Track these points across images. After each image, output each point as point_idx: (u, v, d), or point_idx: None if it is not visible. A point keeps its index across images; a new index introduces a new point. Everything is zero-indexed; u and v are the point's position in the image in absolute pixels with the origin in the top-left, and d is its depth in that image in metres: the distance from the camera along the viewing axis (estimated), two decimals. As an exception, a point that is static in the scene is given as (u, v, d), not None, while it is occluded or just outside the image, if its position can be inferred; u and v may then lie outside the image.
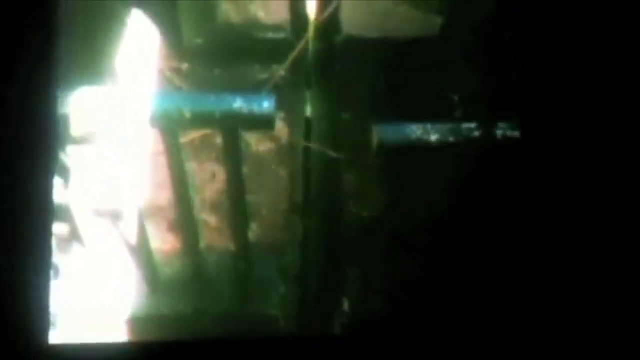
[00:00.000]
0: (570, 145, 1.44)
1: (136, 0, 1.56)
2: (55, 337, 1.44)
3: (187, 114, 1.49)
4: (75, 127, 1.53)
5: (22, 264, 1.32)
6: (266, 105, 1.51)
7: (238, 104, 1.52)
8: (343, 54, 1.58)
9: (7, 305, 1.34)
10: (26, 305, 1.35)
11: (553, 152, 1.45)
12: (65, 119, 1.50)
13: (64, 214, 1.52)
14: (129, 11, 1.57)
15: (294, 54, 1.58)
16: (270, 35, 1.57)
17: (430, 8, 1.56)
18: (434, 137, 1.52)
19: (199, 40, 1.57)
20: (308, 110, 1.59)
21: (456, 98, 1.57)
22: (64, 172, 1.52)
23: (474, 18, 1.55)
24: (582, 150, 1.44)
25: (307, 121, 1.58)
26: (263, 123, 1.48)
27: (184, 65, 1.57)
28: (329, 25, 1.58)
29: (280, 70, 1.58)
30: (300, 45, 1.58)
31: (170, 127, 1.49)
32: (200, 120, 1.49)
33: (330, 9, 1.57)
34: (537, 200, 1.43)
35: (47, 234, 1.28)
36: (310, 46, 1.58)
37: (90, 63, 1.55)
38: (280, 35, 1.58)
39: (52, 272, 1.31)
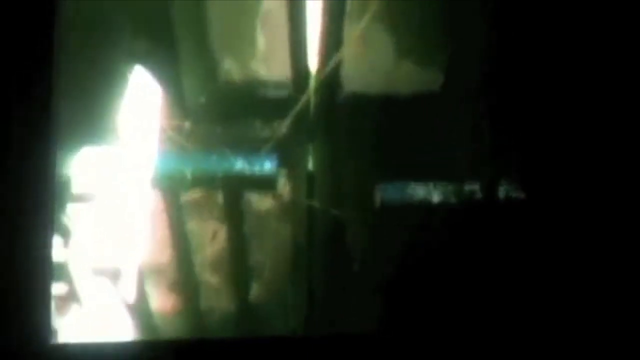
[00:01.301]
0: (575, 208, 1.44)
1: (138, 57, 1.56)
2: (58, 337, 1.43)
3: (189, 175, 1.49)
4: (76, 186, 1.52)
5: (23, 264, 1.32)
6: (268, 165, 1.51)
7: (240, 164, 1.52)
8: (345, 111, 1.58)
9: (8, 305, 1.34)
10: (27, 305, 1.35)
11: (557, 214, 1.44)
12: (65, 177, 1.49)
13: (63, 273, 1.50)
14: (131, 68, 1.56)
15: (295, 111, 1.57)
16: (271, 92, 1.57)
17: (434, 65, 1.56)
18: (437, 197, 1.51)
19: (201, 98, 1.57)
20: (311, 168, 1.58)
21: (461, 156, 1.56)
22: (64, 231, 1.50)
23: (478, 75, 1.55)
24: (586, 213, 1.43)
25: (310, 178, 1.57)
26: (265, 183, 1.48)
27: (186, 123, 1.57)
28: (331, 81, 1.58)
29: (282, 128, 1.57)
30: (302, 102, 1.57)
31: (171, 187, 1.49)
32: (202, 180, 1.49)
33: (331, 66, 1.57)
34: (542, 262, 1.42)
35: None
36: (312, 103, 1.57)
37: (91, 121, 1.55)
38: (282, 92, 1.57)
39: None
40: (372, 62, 1.57)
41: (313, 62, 1.58)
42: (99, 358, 1.37)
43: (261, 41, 1.57)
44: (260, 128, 1.58)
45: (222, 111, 1.58)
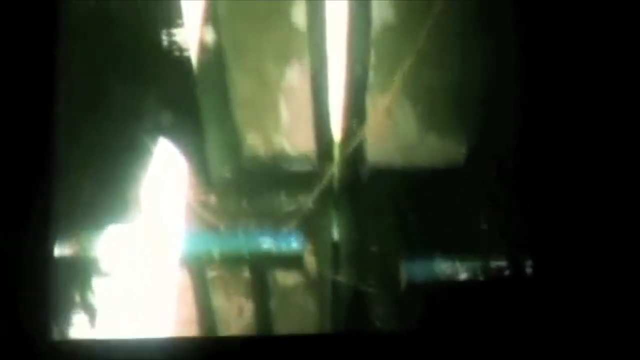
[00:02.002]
0: (585, 286, 1.43)
1: (163, 131, 1.57)
2: (59, 332, 1.43)
3: (215, 250, 1.49)
4: (101, 265, 1.52)
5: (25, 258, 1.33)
6: (294, 240, 1.51)
7: (265, 239, 1.52)
8: (370, 185, 1.58)
9: (9, 301, 1.35)
10: (29, 300, 1.35)
11: (568, 290, 1.43)
12: (89, 255, 1.50)
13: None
14: (156, 142, 1.57)
15: (320, 185, 1.57)
16: (296, 166, 1.58)
17: (457, 140, 1.56)
18: (462, 273, 1.51)
19: (226, 173, 1.57)
20: (336, 241, 1.58)
21: (486, 229, 1.55)
22: (90, 309, 1.51)
23: (502, 151, 1.55)
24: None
25: (336, 252, 1.57)
26: (291, 262, 1.48)
27: (211, 198, 1.57)
28: (355, 156, 1.58)
29: (308, 202, 1.57)
30: (326, 176, 1.58)
31: (198, 265, 1.49)
32: (229, 259, 1.49)
33: (355, 139, 1.58)
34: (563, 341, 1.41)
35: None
36: (337, 177, 1.58)
37: (115, 196, 1.56)
38: (307, 167, 1.58)
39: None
40: (396, 136, 1.57)
41: (337, 135, 1.58)
42: (102, 355, 1.36)
43: (285, 115, 1.58)
44: (285, 202, 1.58)
45: (247, 186, 1.58)
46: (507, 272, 1.52)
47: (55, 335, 1.37)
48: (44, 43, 1.48)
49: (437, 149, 1.57)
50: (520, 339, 1.44)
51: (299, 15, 1.55)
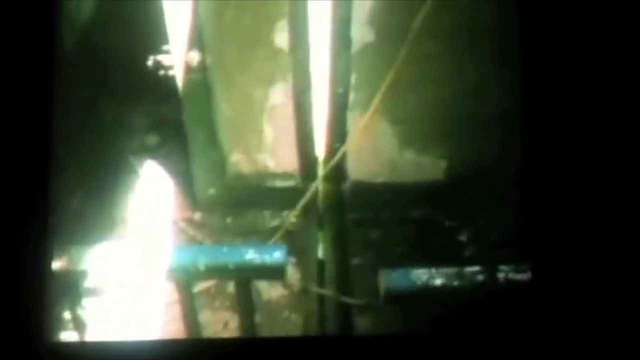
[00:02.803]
0: (582, 292, 1.46)
1: (149, 151, 1.62)
2: (57, 335, 1.45)
3: (202, 267, 1.52)
4: (89, 281, 1.55)
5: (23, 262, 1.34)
6: (277, 255, 1.54)
7: (250, 255, 1.55)
8: (352, 199, 1.62)
9: (7, 303, 1.35)
10: (27, 303, 1.36)
11: (565, 296, 1.47)
12: (79, 273, 1.52)
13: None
14: (142, 162, 1.62)
15: (304, 200, 1.62)
16: (280, 183, 1.62)
17: (436, 154, 1.61)
18: (439, 282, 1.54)
19: (211, 191, 1.61)
20: (320, 255, 1.61)
21: (465, 239, 1.60)
22: (79, 324, 1.53)
23: (481, 160, 1.60)
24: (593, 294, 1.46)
25: (320, 265, 1.60)
26: (275, 273, 1.50)
27: (197, 215, 1.61)
28: (337, 172, 1.63)
29: (291, 217, 1.61)
30: (309, 192, 1.62)
31: (184, 279, 1.52)
32: (214, 271, 1.52)
33: (337, 155, 1.63)
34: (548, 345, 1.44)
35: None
36: (320, 192, 1.62)
37: (103, 214, 1.59)
38: (290, 183, 1.62)
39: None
40: (377, 153, 1.62)
41: (320, 152, 1.63)
42: (99, 357, 1.37)
43: (269, 134, 1.63)
44: (269, 218, 1.62)
45: (231, 202, 1.63)
46: (500, 281, 1.56)
47: (52, 338, 1.40)
48: (40, 64, 1.53)
49: (416, 164, 1.62)
50: (518, 346, 1.47)
51: (283, 38, 1.61)
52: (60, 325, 1.46)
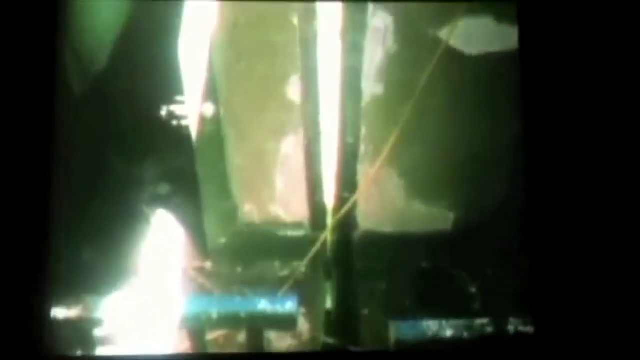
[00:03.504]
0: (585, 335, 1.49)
1: (161, 200, 1.64)
2: (55, 348, 1.48)
3: (214, 316, 1.53)
4: (101, 329, 1.55)
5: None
6: (290, 305, 1.56)
7: (262, 304, 1.57)
8: (361, 249, 1.64)
9: (5, 316, 1.36)
10: (25, 317, 1.37)
11: (567, 348, 1.49)
12: (91, 322, 1.53)
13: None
14: (154, 210, 1.63)
15: (313, 250, 1.63)
16: (290, 232, 1.64)
17: (444, 204, 1.64)
18: (449, 333, 1.56)
19: (222, 240, 1.63)
20: (329, 305, 1.63)
21: (474, 291, 1.61)
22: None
23: (488, 211, 1.63)
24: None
25: (328, 315, 1.61)
26: (287, 323, 1.52)
27: (207, 264, 1.62)
28: (347, 221, 1.65)
29: (301, 267, 1.63)
30: (319, 242, 1.64)
31: (197, 327, 1.53)
32: (227, 321, 1.54)
33: (347, 206, 1.65)
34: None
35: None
36: (330, 242, 1.64)
37: (115, 263, 1.60)
38: (300, 232, 1.64)
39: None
40: (385, 203, 1.65)
41: (330, 203, 1.66)
42: None
43: (280, 184, 1.65)
44: (279, 267, 1.64)
45: (242, 252, 1.64)
46: (503, 332, 1.58)
47: (50, 351, 1.42)
48: (44, 102, 1.57)
49: (424, 215, 1.65)
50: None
51: (294, 90, 1.65)
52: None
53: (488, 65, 1.66)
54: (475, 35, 1.67)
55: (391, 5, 1.66)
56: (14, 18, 1.60)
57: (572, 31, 1.65)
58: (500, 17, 1.66)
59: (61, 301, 1.57)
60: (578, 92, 1.65)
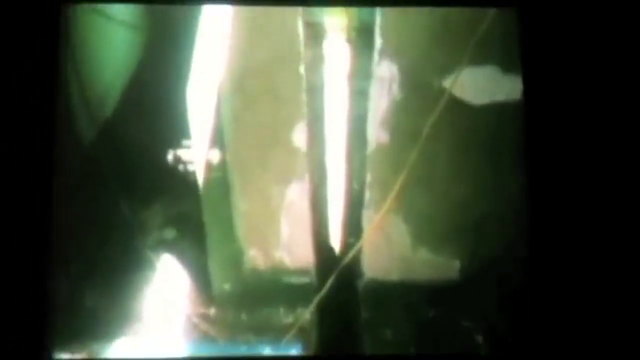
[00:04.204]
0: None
1: (166, 245, 1.63)
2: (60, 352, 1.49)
3: (216, 364, 1.52)
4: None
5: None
6: (293, 352, 1.55)
7: (267, 351, 1.55)
8: (366, 296, 1.63)
9: (7, 320, 1.33)
10: (25, 320, 1.32)
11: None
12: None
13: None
14: (159, 255, 1.63)
15: (319, 297, 1.62)
16: (295, 279, 1.63)
17: (449, 252, 1.64)
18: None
19: (227, 286, 1.62)
20: (333, 352, 1.61)
21: (480, 340, 1.60)
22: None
23: (493, 260, 1.63)
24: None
25: (333, 364, 1.60)
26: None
27: (212, 310, 1.61)
28: (352, 268, 1.64)
29: (306, 314, 1.62)
30: (324, 289, 1.63)
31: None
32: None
33: (352, 253, 1.65)
34: None
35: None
36: (335, 289, 1.63)
37: (119, 309, 1.59)
38: (305, 279, 1.63)
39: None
40: (391, 250, 1.65)
41: (335, 249, 1.65)
42: None
43: (285, 230, 1.65)
44: (284, 314, 1.62)
45: (247, 298, 1.63)
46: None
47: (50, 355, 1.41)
48: (44, 148, 1.59)
49: (430, 263, 1.64)
50: None
51: (300, 137, 1.66)
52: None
53: (492, 114, 1.68)
54: (480, 85, 1.69)
55: (396, 54, 1.69)
56: (17, 64, 1.63)
57: (576, 80, 1.67)
58: (504, 68, 1.69)
59: (65, 347, 1.55)
60: (581, 144, 1.67)
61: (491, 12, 1.70)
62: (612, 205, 1.64)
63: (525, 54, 1.69)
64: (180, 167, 1.65)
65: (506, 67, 1.69)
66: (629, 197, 1.64)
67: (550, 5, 1.69)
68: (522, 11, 1.70)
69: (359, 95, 1.69)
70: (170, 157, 1.64)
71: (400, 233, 1.65)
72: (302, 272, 1.64)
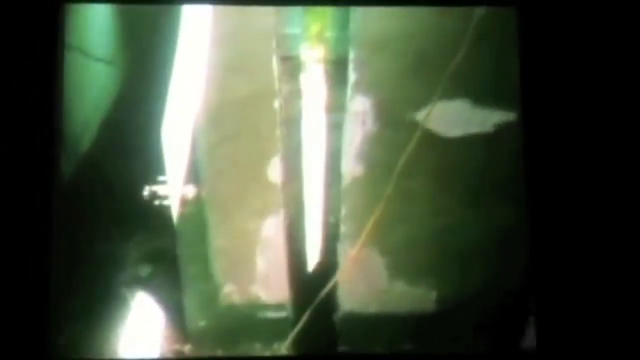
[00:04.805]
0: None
1: (141, 282, 1.62)
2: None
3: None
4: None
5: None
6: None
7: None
8: (343, 330, 1.63)
9: (8, 323, 1.43)
10: (28, 322, 1.46)
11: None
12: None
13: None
14: (134, 292, 1.61)
15: (294, 332, 1.62)
16: (271, 314, 1.62)
17: (426, 285, 1.64)
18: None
19: (202, 323, 1.61)
20: (311, 389, 1.60)
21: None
22: None
23: (468, 292, 1.64)
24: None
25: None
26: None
27: (187, 347, 1.60)
28: (329, 302, 1.64)
29: (282, 348, 1.61)
30: (300, 323, 1.62)
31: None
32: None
33: (328, 287, 1.64)
34: None
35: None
36: (311, 323, 1.63)
37: (92, 345, 1.57)
38: (281, 314, 1.63)
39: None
40: (367, 282, 1.65)
41: (311, 283, 1.65)
42: None
43: (261, 264, 1.65)
44: (260, 349, 1.61)
45: (222, 334, 1.62)
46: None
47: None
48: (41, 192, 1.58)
49: (407, 295, 1.64)
50: None
51: (276, 172, 1.67)
52: None
53: (465, 147, 1.70)
54: (452, 118, 1.71)
55: (369, 88, 1.71)
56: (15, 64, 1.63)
57: (574, 89, 1.69)
58: (475, 101, 1.71)
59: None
60: (578, 162, 1.67)
61: (465, 44, 1.72)
62: (604, 233, 1.65)
63: (524, 53, 1.70)
64: (156, 202, 1.64)
65: (478, 100, 1.71)
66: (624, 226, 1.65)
67: (550, 5, 1.71)
68: (521, 10, 1.72)
69: (334, 128, 1.70)
70: (145, 192, 1.64)
71: (376, 266, 1.65)
72: (278, 306, 1.64)
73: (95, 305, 1.60)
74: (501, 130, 1.70)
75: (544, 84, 1.70)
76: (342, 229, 1.66)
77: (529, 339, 1.61)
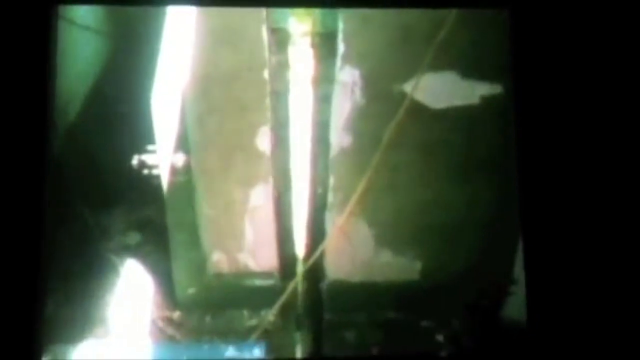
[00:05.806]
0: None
1: (129, 250, 1.64)
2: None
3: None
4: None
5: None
6: (257, 352, 1.56)
7: (230, 352, 1.56)
8: (330, 298, 1.66)
9: (2, 290, 1.46)
10: (16, 324, 1.44)
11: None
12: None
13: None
14: (122, 260, 1.63)
15: (282, 299, 1.64)
16: (259, 282, 1.65)
17: (411, 255, 1.67)
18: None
19: (191, 290, 1.63)
20: (297, 355, 1.63)
21: (441, 339, 1.63)
22: None
23: (453, 265, 1.66)
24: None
25: (297, 365, 1.62)
26: (255, 373, 1.52)
27: (176, 314, 1.62)
28: (316, 271, 1.66)
29: (270, 316, 1.63)
30: (288, 291, 1.65)
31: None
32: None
33: (316, 255, 1.67)
34: None
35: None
36: (299, 291, 1.65)
37: (82, 313, 1.59)
38: (269, 282, 1.65)
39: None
40: (354, 252, 1.67)
41: (299, 252, 1.67)
42: None
43: (249, 234, 1.67)
44: (248, 317, 1.64)
45: (211, 301, 1.64)
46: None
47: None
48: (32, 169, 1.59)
49: (392, 265, 1.67)
50: None
51: (264, 142, 1.68)
52: None
53: (452, 119, 1.72)
54: (440, 90, 1.72)
55: (359, 60, 1.71)
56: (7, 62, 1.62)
57: (565, 81, 1.70)
58: (463, 73, 1.72)
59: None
60: (566, 146, 1.69)
61: (451, 17, 1.73)
62: (594, 206, 1.67)
63: (516, 54, 1.71)
64: (145, 171, 1.65)
65: (465, 73, 1.73)
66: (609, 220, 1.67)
67: (542, 6, 1.71)
68: (513, 11, 1.73)
69: (323, 100, 1.71)
70: (134, 161, 1.65)
71: (363, 236, 1.68)
72: (266, 274, 1.66)
73: (85, 273, 1.61)
74: (488, 102, 1.72)
75: (535, 59, 1.71)
76: (330, 199, 1.68)
77: (515, 311, 1.64)
